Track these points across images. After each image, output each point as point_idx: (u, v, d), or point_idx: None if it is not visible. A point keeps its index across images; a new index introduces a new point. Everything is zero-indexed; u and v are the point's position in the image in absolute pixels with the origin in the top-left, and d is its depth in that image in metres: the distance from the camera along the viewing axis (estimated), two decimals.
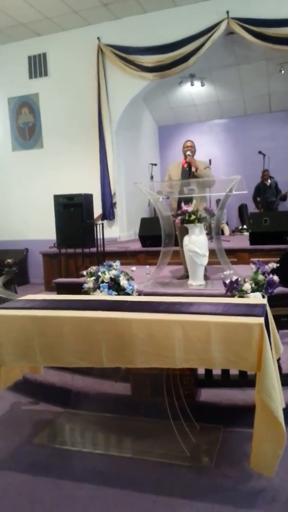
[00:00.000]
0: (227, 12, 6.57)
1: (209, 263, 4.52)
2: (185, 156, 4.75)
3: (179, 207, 4.52)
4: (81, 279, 4.14)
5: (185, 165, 4.76)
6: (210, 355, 2.08)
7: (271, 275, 3.41)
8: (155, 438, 2.53)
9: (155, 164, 8.99)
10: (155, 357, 2.17)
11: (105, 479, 2.24)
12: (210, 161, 6.74)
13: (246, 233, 7.06)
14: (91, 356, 2.25)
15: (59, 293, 4.71)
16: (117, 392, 2.85)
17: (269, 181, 8.38)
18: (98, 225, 6.02)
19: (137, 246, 6.73)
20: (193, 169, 4.66)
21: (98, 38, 7.46)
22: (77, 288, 3.94)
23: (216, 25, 6.66)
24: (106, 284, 3.69)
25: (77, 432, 2.75)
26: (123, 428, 2.71)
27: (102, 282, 3.72)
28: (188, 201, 4.37)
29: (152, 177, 8.48)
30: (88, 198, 6.75)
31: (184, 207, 4.27)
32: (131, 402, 2.79)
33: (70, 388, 3.05)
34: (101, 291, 3.68)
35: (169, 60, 7.06)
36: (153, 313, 2.29)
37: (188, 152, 4.71)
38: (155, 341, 2.16)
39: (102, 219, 7.56)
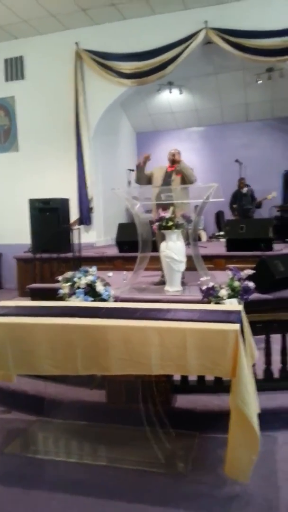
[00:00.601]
0: (206, 22, 6.67)
1: (186, 269, 4.54)
2: (170, 159, 4.76)
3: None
4: (56, 285, 4.08)
5: (169, 169, 4.78)
6: (186, 361, 2.07)
7: (246, 282, 3.45)
8: (130, 446, 2.51)
9: (133, 170, 8.99)
10: (131, 364, 2.15)
11: (79, 488, 2.20)
12: None
13: (223, 240, 7.14)
14: (65, 364, 2.21)
15: (33, 299, 4.63)
16: (92, 399, 2.81)
17: (245, 189, 8.52)
18: (74, 230, 5.97)
19: (114, 251, 6.70)
20: (176, 159, 4.66)
21: (76, 43, 7.45)
22: (52, 294, 3.88)
23: (195, 34, 6.75)
24: (82, 290, 3.65)
25: (50, 441, 2.70)
26: (98, 436, 2.67)
27: (78, 288, 3.68)
28: (166, 207, 4.38)
29: (129, 183, 8.50)
30: (65, 202, 6.70)
31: (161, 213, 4.28)
32: (106, 409, 2.76)
33: (43, 396, 2.99)
34: (76, 297, 3.63)
35: (147, 67, 7.11)
36: (129, 319, 2.27)
37: (176, 151, 4.75)
38: (131, 348, 2.14)
39: (79, 224, 7.50)
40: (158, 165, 5.09)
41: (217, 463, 2.22)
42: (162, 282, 4.68)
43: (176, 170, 4.68)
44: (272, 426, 2.55)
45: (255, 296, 3.71)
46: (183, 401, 2.77)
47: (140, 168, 4.82)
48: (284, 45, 6.41)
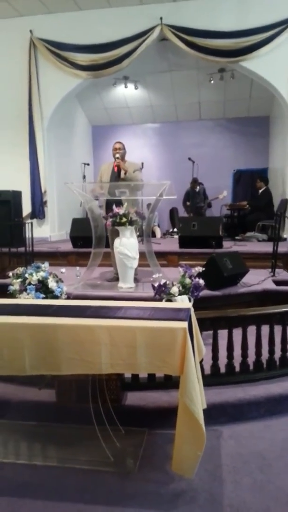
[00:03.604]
0: (161, 18, 6.69)
1: (139, 266, 4.57)
2: (114, 157, 4.76)
3: (107, 209, 4.55)
4: (7, 280, 3.98)
5: (115, 168, 4.77)
6: (135, 360, 2.09)
7: (197, 279, 3.53)
8: (80, 445, 2.50)
9: (88, 164, 8.90)
10: (81, 363, 2.14)
11: (27, 490, 2.16)
12: (142, 164, 6.82)
13: (177, 236, 7.26)
14: (12, 364, 2.16)
15: None
16: (41, 399, 2.77)
17: (197, 187, 8.69)
18: (27, 224, 5.81)
19: (68, 246, 6.61)
20: (122, 173, 4.68)
21: (31, 31, 7.22)
22: (2, 290, 3.77)
23: (150, 30, 6.77)
24: (34, 287, 3.58)
25: None
26: (47, 436, 2.63)
27: (30, 284, 3.60)
28: (120, 203, 4.38)
29: (84, 177, 8.39)
30: (17, 195, 6.50)
31: (115, 209, 4.27)
32: (56, 409, 2.72)
33: None
34: (28, 294, 3.55)
35: (103, 60, 7.05)
36: (79, 318, 2.25)
37: (117, 155, 4.73)
38: (81, 347, 2.12)
39: (31, 218, 7.33)
40: (106, 163, 5.08)
41: (165, 460, 2.26)
42: (116, 279, 4.69)
43: (123, 179, 4.67)
44: (217, 420, 2.64)
45: (205, 292, 3.81)
46: (133, 398, 2.79)
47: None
48: (235, 47, 6.58)
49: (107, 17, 7.00)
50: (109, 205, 4.56)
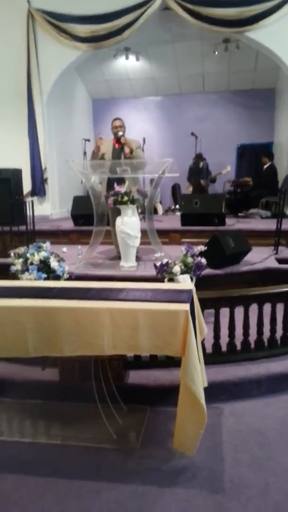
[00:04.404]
0: None
1: (141, 243, 4.55)
2: (115, 136, 4.66)
3: (108, 187, 4.49)
4: (8, 260, 3.98)
5: (117, 146, 4.68)
6: (137, 341, 2.10)
7: (199, 258, 3.51)
8: (83, 423, 2.55)
9: (89, 140, 8.74)
10: (83, 345, 2.15)
11: (31, 468, 2.22)
12: (144, 139, 6.71)
13: (179, 213, 7.20)
14: (16, 346, 2.18)
15: None
16: (45, 378, 2.81)
17: (201, 163, 8.54)
18: (28, 202, 5.76)
19: (69, 224, 6.58)
20: (127, 151, 4.59)
21: (28, 1, 6.96)
22: (4, 270, 3.78)
23: None
24: (35, 266, 3.57)
25: (3, 421, 2.68)
26: (51, 414, 2.68)
27: (31, 264, 3.60)
28: (121, 181, 4.33)
29: (85, 153, 8.26)
30: (17, 173, 6.41)
31: (117, 187, 4.22)
32: (59, 387, 2.77)
33: None
34: (30, 274, 3.56)
35: (103, 31, 6.83)
36: (81, 300, 2.25)
37: (121, 133, 4.62)
38: (83, 329, 2.14)
39: (32, 196, 7.27)
40: (105, 139, 4.98)
41: (166, 437, 2.30)
42: (117, 257, 4.68)
43: (128, 157, 4.59)
44: (218, 398, 2.68)
45: (207, 271, 3.80)
46: (135, 376, 2.82)
47: (95, 154, 4.69)
48: (240, 16, 6.35)
49: None
50: (110, 183, 4.51)
